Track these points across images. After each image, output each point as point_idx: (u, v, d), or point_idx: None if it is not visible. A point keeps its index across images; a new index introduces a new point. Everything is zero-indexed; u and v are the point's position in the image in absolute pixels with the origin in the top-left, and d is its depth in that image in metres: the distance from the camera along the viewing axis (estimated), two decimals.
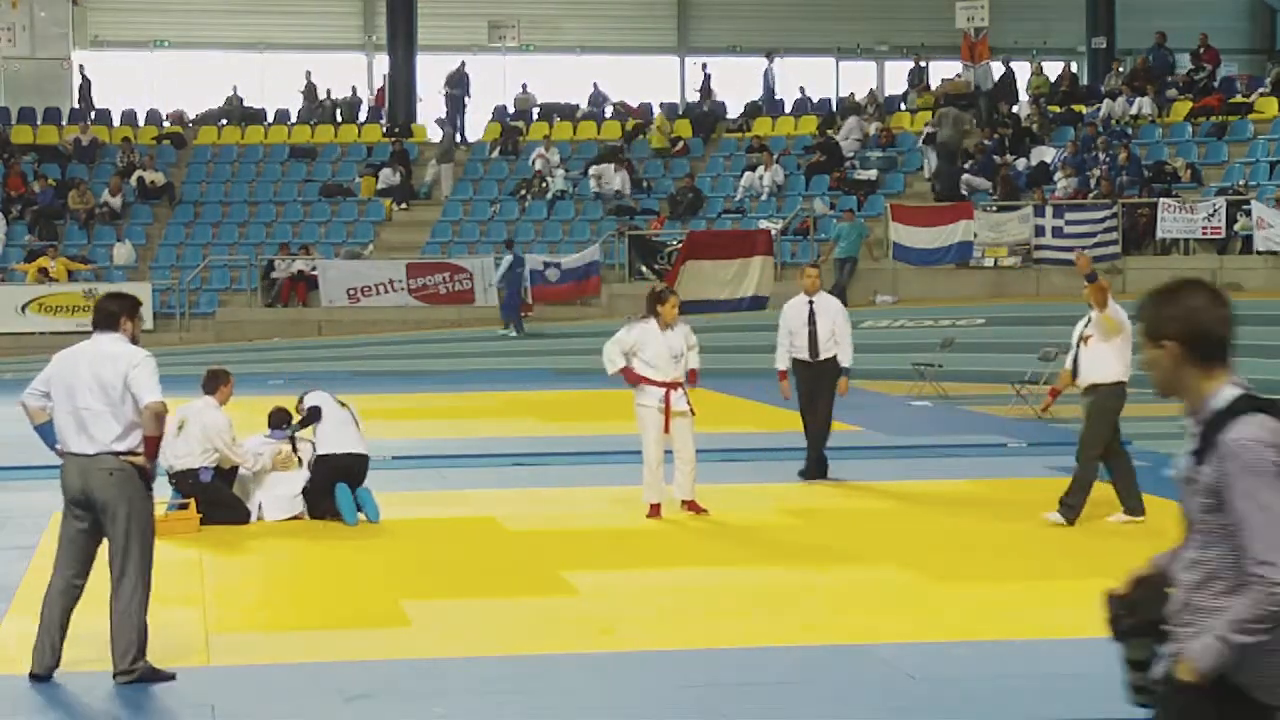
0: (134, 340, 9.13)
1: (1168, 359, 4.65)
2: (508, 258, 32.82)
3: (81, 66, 41.94)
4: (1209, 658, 4.53)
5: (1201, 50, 39.62)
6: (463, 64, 41.16)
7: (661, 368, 14.11)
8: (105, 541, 9.04)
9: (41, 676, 8.98)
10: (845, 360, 16.23)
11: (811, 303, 16.34)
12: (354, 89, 42.74)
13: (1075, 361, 13.83)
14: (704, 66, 42.14)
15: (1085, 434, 13.74)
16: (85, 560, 9.12)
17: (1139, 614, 4.85)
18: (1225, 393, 4.62)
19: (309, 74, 42.00)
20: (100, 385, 8.88)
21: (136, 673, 8.91)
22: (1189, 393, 4.67)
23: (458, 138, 39.75)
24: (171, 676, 9.00)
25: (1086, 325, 13.81)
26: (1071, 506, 13.66)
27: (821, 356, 16.08)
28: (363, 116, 41.49)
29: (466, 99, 40.84)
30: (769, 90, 41.81)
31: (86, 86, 41.45)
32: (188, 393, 14.81)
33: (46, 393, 9.13)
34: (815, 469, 16.36)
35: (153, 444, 8.95)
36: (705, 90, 41.37)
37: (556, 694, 8.78)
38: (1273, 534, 4.45)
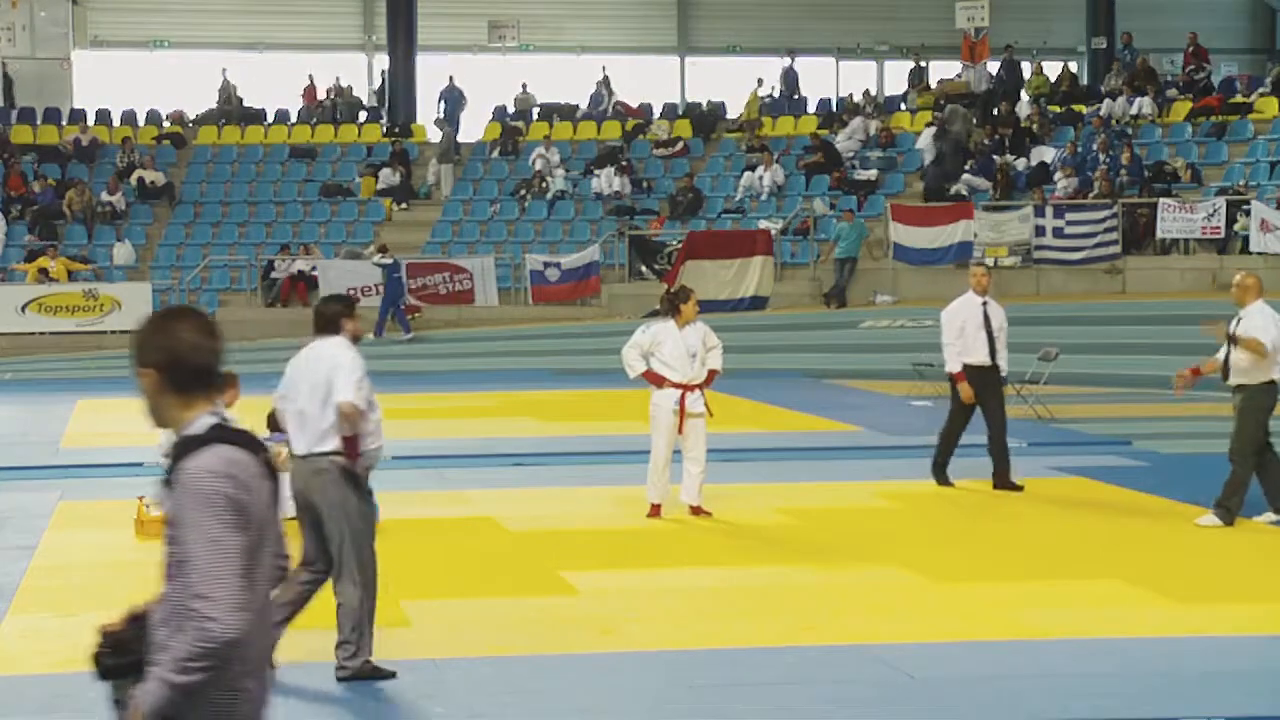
0: (355, 339, 9.23)
1: (150, 386, 4.56)
2: (386, 262, 32.96)
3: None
4: (150, 700, 4.31)
5: (1190, 49, 39.63)
6: (451, 79, 40.98)
7: (678, 368, 14.04)
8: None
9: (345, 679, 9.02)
10: (1005, 366, 15.70)
11: (985, 303, 15.65)
12: (350, 88, 42.74)
13: (1226, 360, 13.74)
14: (603, 68, 42.19)
15: (1237, 433, 13.59)
16: (316, 554, 9.14)
17: (123, 652, 4.58)
18: (200, 422, 4.55)
19: (329, 91, 41.98)
20: (312, 387, 9.05)
21: (350, 670, 8.92)
22: (170, 421, 4.57)
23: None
24: (391, 674, 8.96)
25: (1236, 324, 13.70)
26: (1228, 509, 13.57)
27: (998, 359, 15.48)
28: (363, 117, 41.48)
29: (462, 104, 40.74)
30: (792, 88, 41.74)
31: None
32: None
33: (284, 395, 9.30)
34: (1004, 478, 15.58)
35: (349, 443, 8.96)
36: (606, 89, 41.61)
37: (556, 694, 8.78)
38: (213, 568, 4.27)
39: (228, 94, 41.29)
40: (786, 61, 42.50)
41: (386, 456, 16.52)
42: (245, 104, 41.33)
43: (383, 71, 42.75)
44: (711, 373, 14.32)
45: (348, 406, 8.88)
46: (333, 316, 9.23)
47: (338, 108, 41.39)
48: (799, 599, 11.06)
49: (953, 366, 15.52)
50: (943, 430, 15.96)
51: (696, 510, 14.24)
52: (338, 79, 42.38)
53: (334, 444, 8.98)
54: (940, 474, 15.87)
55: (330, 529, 8.99)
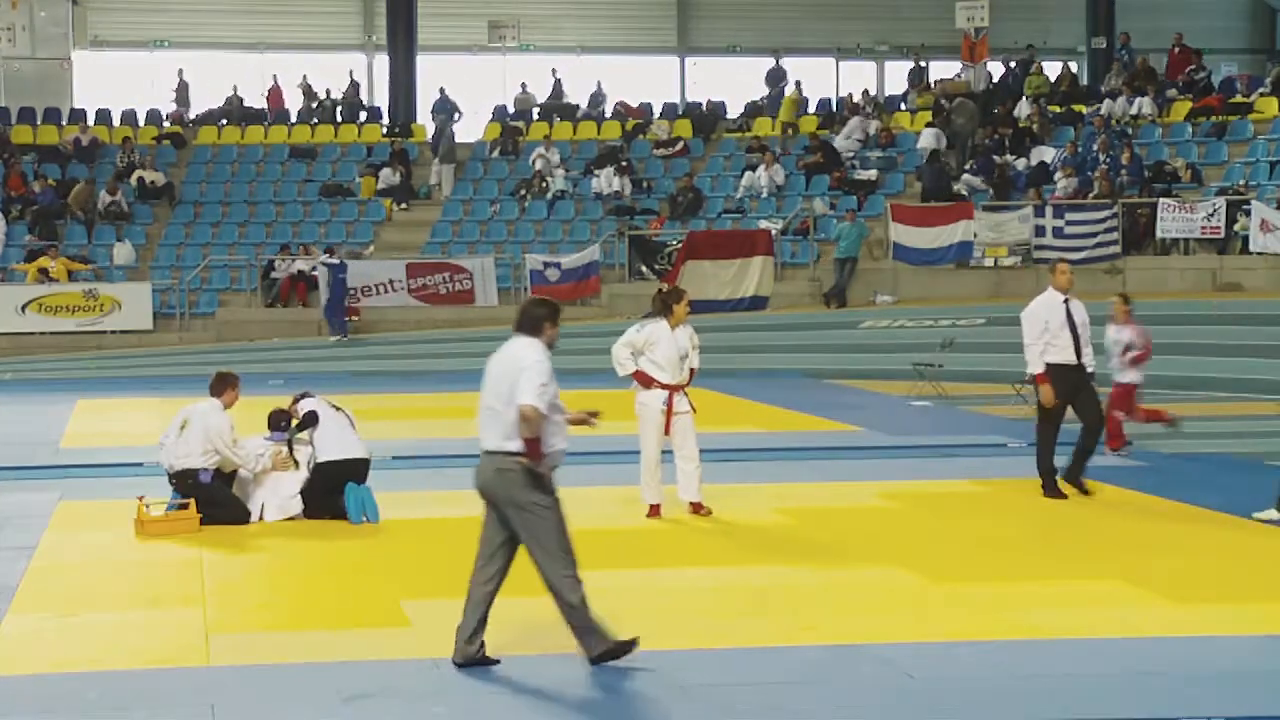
0: (550, 345, 9.27)
1: None
2: (334, 262, 33.00)
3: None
4: None
5: (1176, 49, 39.62)
6: (443, 91, 40.81)
7: (669, 369, 14.10)
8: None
9: (460, 664, 9.15)
10: (1091, 363, 15.20)
11: (1067, 301, 15.07)
12: (353, 87, 42.75)
13: None
14: (554, 71, 42.26)
15: None
16: (495, 549, 9.24)
17: None
18: None
19: (329, 91, 41.98)
20: (497, 385, 9.16)
21: (595, 656, 9.12)
22: None
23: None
24: (634, 645, 9.12)
25: None
26: None
27: (1085, 358, 15.04)
28: (363, 116, 41.48)
29: (456, 115, 40.70)
30: (779, 90, 41.81)
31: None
32: (188, 393, 14.83)
33: (483, 391, 9.36)
34: (1075, 475, 15.22)
35: (530, 445, 9.01)
36: (556, 91, 41.73)
37: (556, 694, 8.78)
38: None
39: (233, 98, 41.32)
40: (772, 62, 42.55)
41: (386, 457, 16.54)
42: (245, 104, 41.33)
43: (351, 72, 42.72)
44: (691, 371, 14.37)
45: (529, 410, 8.97)
46: (537, 319, 9.31)
47: (338, 106, 41.40)
48: (799, 599, 11.06)
49: (1036, 368, 14.99)
50: (1037, 441, 15.36)
51: (697, 508, 14.24)
52: (351, 73, 42.43)
53: (518, 444, 9.04)
54: (1050, 485, 15.13)
55: (517, 529, 9.12)
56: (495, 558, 9.24)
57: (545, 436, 9.04)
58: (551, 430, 9.11)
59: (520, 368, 9.05)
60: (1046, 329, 14.96)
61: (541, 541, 9.07)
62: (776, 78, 42.17)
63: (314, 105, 41.33)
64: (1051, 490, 15.09)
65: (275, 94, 41.64)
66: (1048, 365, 14.91)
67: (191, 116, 41.21)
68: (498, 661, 9.20)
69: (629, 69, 45.75)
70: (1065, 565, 12.17)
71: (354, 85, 42.47)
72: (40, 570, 12.20)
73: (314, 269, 34.06)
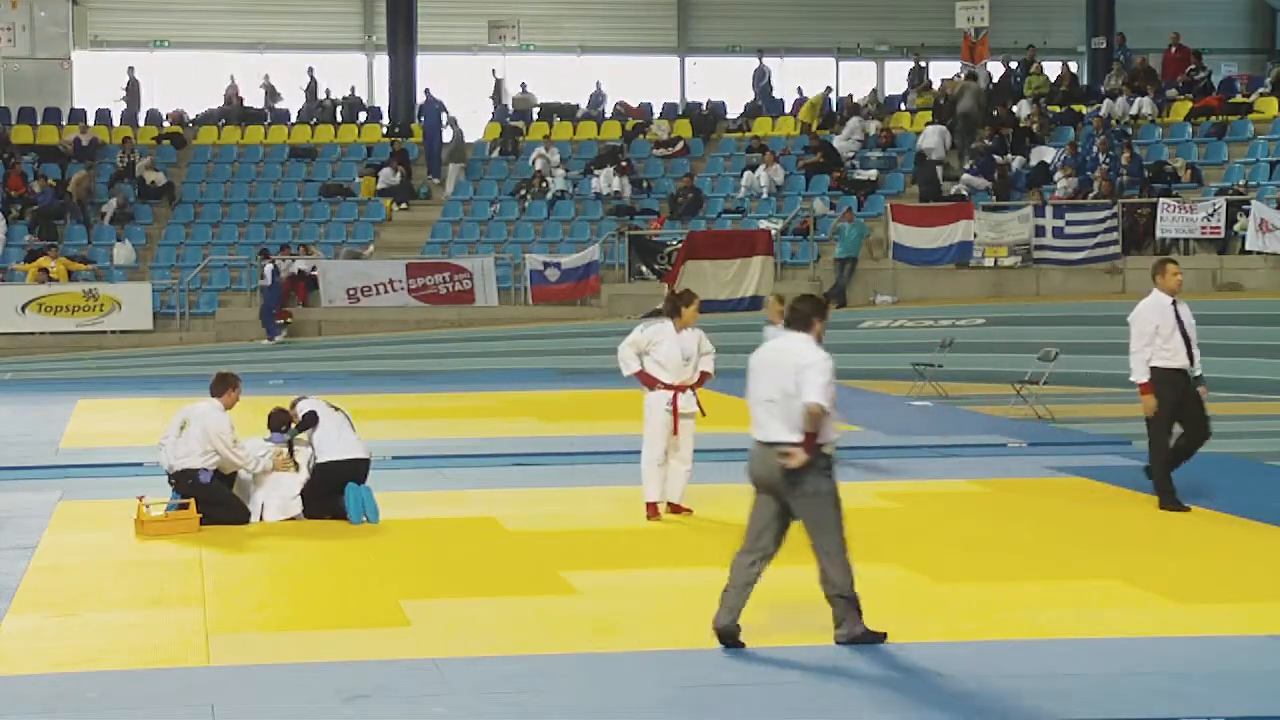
0: (819, 339, 9.62)
1: None
2: (268, 268, 33.00)
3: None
4: None
5: (1173, 49, 39.62)
6: (428, 91, 40.51)
7: (672, 369, 14.15)
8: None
9: (720, 635, 9.58)
10: (1199, 368, 14.57)
11: (1175, 303, 14.52)
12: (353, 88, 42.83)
13: None
14: (494, 71, 42.23)
15: None
16: (762, 533, 9.68)
17: None
18: None
19: (311, 70, 41.99)
20: (779, 380, 9.48)
21: (847, 635, 9.60)
22: None
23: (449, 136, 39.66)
24: (883, 637, 9.64)
25: None
26: None
27: (1197, 363, 14.40)
28: (363, 116, 41.48)
29: (444, 115, 40.68)
30: (764, 90, 41.86)
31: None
32: (188, 393, 14.83)
33: (750, 388, 9.78)
34: (1173, 498, 14.41)
35: (807, 439, 9.35)
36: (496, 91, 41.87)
37: (556, 694, 8.78)
38: None
39: (232, 95, 41.29)
40: (756, 62, 42.61)
41: (386, 457, 16.54)
42: (245, 104, 41.32)
43: (353, 88, 42.70)
44: (704, 375, 14.41)
45: (816, 408, 9.31)
46: (806, 314, 9.66)
47: (338, 107, 41.41)
48: (799, 599, 11.06)
49: (1140, 376, 14.32)
50: (1149, 450, 14.68)
51: (676, 508, 14.30)
52: (353, 89, 42.47)
53: (797, 436, 9.39)
54: (1168, 496, 14.38)
55: (800, 514, 9.57)
56: (763, 541, 9.67)
57: (824, 430, 9.42)
58: (826, 425, 9.45)
59: (802, 364, 9.40)
60: (1157, 333, 14.35)
61: (824, 526, 9.55)
62: (760, 77, 42.22)
63: (275, 105, 41.29)
64: (1171, 503, 14.36)
65: (234, 92, 41.50)
66: (1157, 370, 14.29)
67: (192, 117, 41.22)
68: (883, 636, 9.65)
69: (629, 69, 45.77)
70: (1065, 565, 12.16)
71: (353, 95, 42.52)
72: (40, 570, 12.20)
73: (314, 268, 34.07)
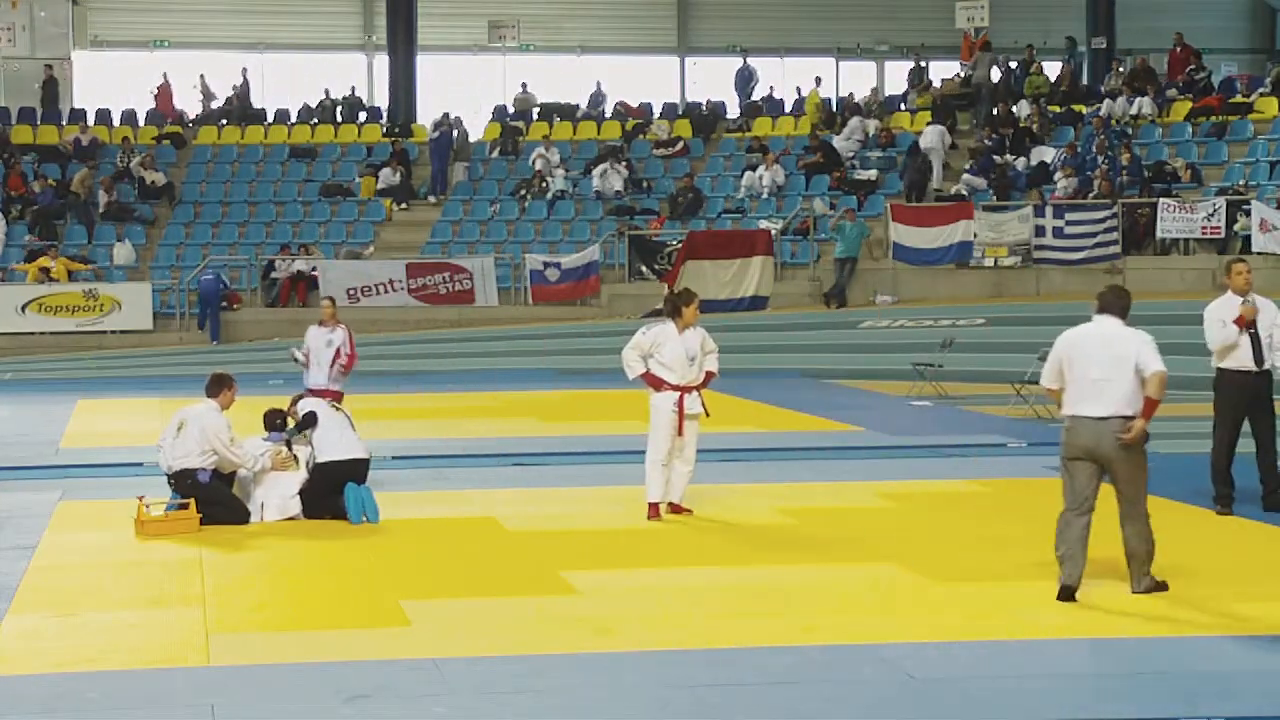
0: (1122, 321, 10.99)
1: None
2: (209, 276, 33.21)
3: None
4: None
5: (1177, 49, 39.62)
6: (446, 116, 40.45)
7: (677, 370, 14.17)
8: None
9: (1068, 592, 10.85)
10: (1273, 369, 14.12)
11: (1245, 303, 14.05)
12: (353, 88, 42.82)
13: None
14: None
15: None
16: (1086, 499, 11.00)
17: None
18: None
19: (328, 91, 41.91)
20: (1114, 359, 10.76)
21: (1147, 581, 10.95)
22: None
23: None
24: (1164, 586, 11.00)
25: None
26: None
27: (1267, 364, 13.99)
28: (363, 117, 41.48)
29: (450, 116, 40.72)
30: (746, 94, 41.88)
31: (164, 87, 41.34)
32: (188, 393, 14.84)
33: (1069, 369, 11.05)
34: (1276, 497, 14.24)
35: (1150, 406, 10.69)
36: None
37: (556, 694, 8.78)
38: None
39: (236, 94, 41.27)
40: (739, 62, 42.66)
41: (386, 457, 16.50)
42: (245, 104, 41.33)
43: (353, 87, 42.68)
44: (709, 374, 14.43)
45: (1164, 375, 10.64)
46: (1128, 302, 11.03)
47: (339, 107, 41.41)
48: (799, 599, 11.06)
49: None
50: (1212, 447, 14.43)
51: (676, 508, 14.31)
52: (353, 87, 42.43)
53: (1135, 407, 10.69)
54: (1225, 498, 14.26)
55: (1123, 477, 10.83)
56: (1091, 501, 10.97)
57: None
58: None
59: (1142, 341, 10.74)
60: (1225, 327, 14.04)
61: (1139, 485, 10.87)
62: (745, 78, 42.22)
63: (212, 106, 41.20)
64: (1225, 504, 14.19)
65: (164, 93, 41.38)
66: (1224, 371, 14.08)
67: (192, 117, 41.23)
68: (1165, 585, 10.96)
69: (629, 69, 45.77)
70: None
71: (353, 95, 42.49)
72: (40, 570, 12.20)
73: (314, 268, 34.07)
